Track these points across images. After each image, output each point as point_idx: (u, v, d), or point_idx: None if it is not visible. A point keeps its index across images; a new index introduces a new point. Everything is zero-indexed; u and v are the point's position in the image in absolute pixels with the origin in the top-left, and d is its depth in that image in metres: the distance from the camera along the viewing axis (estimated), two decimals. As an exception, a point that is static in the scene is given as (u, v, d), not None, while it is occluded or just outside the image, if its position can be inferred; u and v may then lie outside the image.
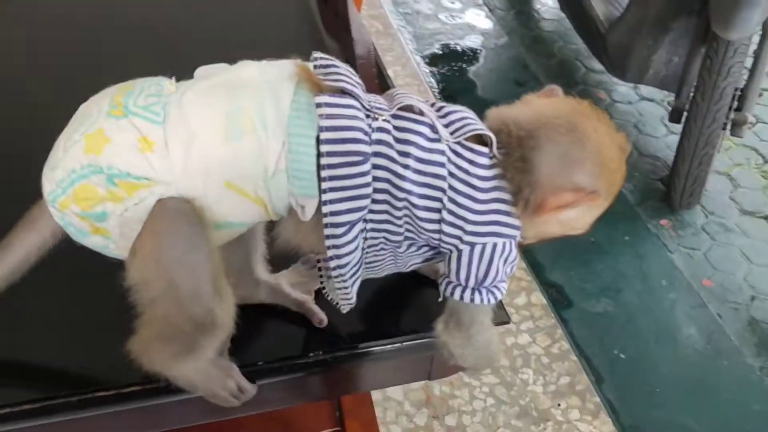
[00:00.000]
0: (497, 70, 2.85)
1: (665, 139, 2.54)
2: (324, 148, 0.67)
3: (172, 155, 0.66)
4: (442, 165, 0.70)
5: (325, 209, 0.68)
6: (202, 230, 0.67)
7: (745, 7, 1.80)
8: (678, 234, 2.21)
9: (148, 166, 0.66)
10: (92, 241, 0.70)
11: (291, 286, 0.83)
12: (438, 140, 0.71)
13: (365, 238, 0.72)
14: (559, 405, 1.69)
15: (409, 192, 0.69)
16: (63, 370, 0.78)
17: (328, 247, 0.69)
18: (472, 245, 0.72)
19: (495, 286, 0.75)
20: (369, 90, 0.73)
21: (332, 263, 0.70)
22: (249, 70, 0.71)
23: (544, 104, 0.76)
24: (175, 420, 0.79)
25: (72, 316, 0.81)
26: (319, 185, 0.68)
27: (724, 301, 2.01)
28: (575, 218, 0.75)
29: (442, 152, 0.70)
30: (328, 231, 0.69)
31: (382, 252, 0.75)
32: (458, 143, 0.71)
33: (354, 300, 0.76)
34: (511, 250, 0.74)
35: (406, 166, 0.69)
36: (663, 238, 2.19)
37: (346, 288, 0.74)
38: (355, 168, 0.68)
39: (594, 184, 0.72)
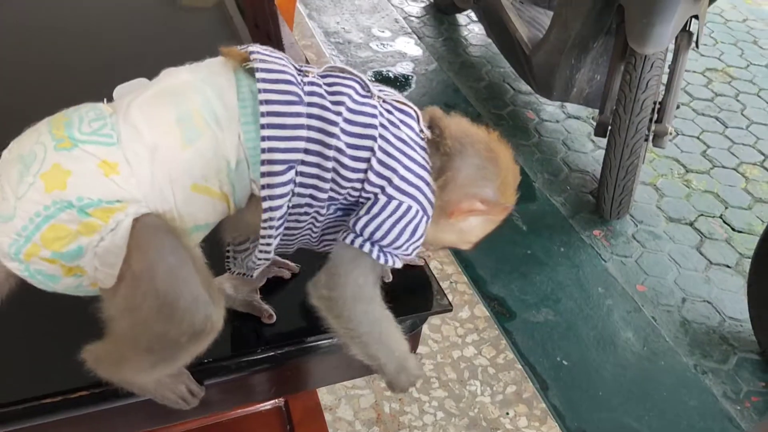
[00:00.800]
0: (429, 94, 2.92)
1: (593, 154, 2.64)
2: (260, 85, 0.68)
3: (137, 172, 0.65)
4: (374, 116, 0.72)
5: (263, 145, 0.68)
6: (183, 240, 0.66)
7: (658, 23, 1.91)
8: (610, 243, 2.29)
9: (117, 188, 0.64)
10: (64, 284, 0.67)
11: (234, 288, 0.83)
12: (369, 96, 0.73)
13: (294, 193, 0.71)
14: (507, 414, 1.71)
15: (338, 138, 0.70)
16: (7, 375, 0.75)
17: (263, 187, 0.69)
18: (390, 198, 0.72)
19: (389, 252, 0.73)
20: None
21: (265, 204, 0.69)
22: (181, 74, 0.71)
23: (467, 124, 0.80)
24: (122, 427, 0.77)
25: (15, 321, 0.78)
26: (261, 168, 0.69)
27: (658, 304, 2.09)
28: (473, 229, 0.79)
29: (374, 106, 0.73)
30: (264, 168, 0.68)
31: (304, 217, 0.74)
32: (389, 103, 0.74)
33: (272, 254, 0.74)
34: (420, 224, 0.74)
35: (338, 113, 0.71)
36: (597, 248, 2.27)
37: (270, 238, 0.71)
38: (291, 107, 0.69)
39: (500, 200, 0.78)
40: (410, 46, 3.21)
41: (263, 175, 0.68)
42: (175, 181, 0.67)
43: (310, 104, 0.70)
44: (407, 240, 0.74)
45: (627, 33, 2.00)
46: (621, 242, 2.30)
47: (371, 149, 0.71)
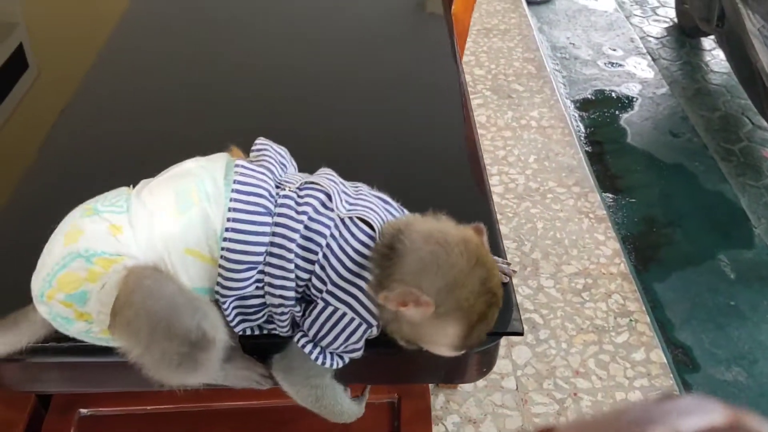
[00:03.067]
0: (652, 119, 2.74)
1: (836, 206, 2.30)
2: (233, 195, 0.78)
3: (137, 234, 0.77)
4: (327, 227, 0.78)
5: (222, 245, 0.77)
6: (167, 274, 0.76)
7: None
8: (836, 309, 1.98)
9: (118, 245, 0.77)
10: (77, 328, 0.79)
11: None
12: (331, 210, 0.80)
13: (265, 292, 0.79)
14: (664, 471, 1.57)
15: (297, 243, 0.78)
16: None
17: (219, 274, 0.78)
18: (327, 303, 0.78)
19: (332, 353, 0.81)
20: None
21: (217, 287, 0.78)
22: (188, 163, 0.84)
23: (449, 225, 0.79)
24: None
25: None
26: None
27: None
28: (418, 324, 0.76)
29: (332, 219, 0.79)
30: (221, 261, 0.77)
31: (284, 316, 0.81)
32: (350, 219, 0.79)
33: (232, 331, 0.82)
34: (356, 329, 0.78)
35: (300, 222, 0.78)
36: (817, 312, 1.98)
37: (223, 304, 0.80)
38: (257, 216, 0.77)
39: (431, 296, 0.73)
40: (641, 67, 3.03)
41: (220, 266, 0.78)
42: (170, 243, 0.77)
43: (279, 214, 0.79)
44: (343, 343, 0.79)
45: None
46: None
47: (317, 254, 0.78)
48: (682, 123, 2.72)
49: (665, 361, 1.81)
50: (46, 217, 0.81)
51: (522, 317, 0.86)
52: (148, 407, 1.07)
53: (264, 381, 0.85)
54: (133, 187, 0.84)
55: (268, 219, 0.78)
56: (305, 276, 0.79)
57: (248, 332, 0.85)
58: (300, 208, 0.79)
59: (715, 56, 3.09)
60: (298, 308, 0.80)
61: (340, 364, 0.82)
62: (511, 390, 1.73)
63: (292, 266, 0.78)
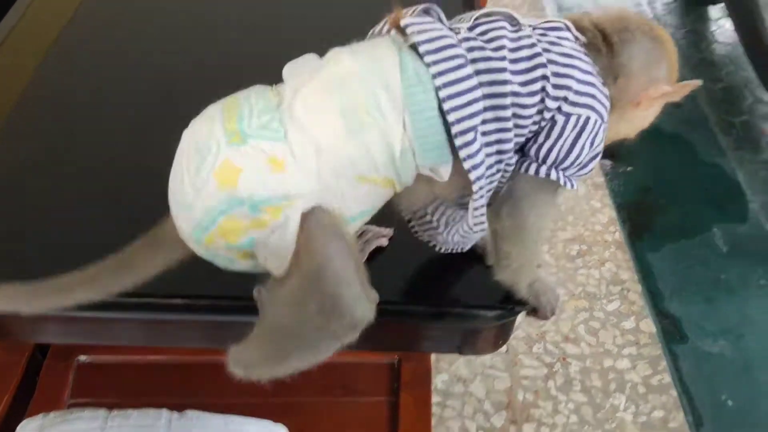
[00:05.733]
0: (654, 88, 2.72)
1: (830, 185, 2.31)
2: (428, 58, 0.68)
3: (303, 167, 0.66)
4: (533, 45, 0.71)
5: (450, 117, 0.67)
6: (348, 239, 0.69)
7: None
8: (824, 288, 2.01)
9: (285, 184, 0.66)
10: (240, 266, 0.71)
11: None
12: (520, 28, 0.73)
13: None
14: (647, 438, 1.60)
15: (511, 83, 0.69)
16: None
17: (464, 159, 0.69)
18: (568, 116, 0.71)
19: (570, 175, 0.74)
20: None
21: (472, 175, 0.69)
22: (344, 61, 0.70)
23: (616, 12, 0.79)
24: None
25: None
26: (452, 149, 0.69)
27: None
28: (651, 115, 0.80)
29: (529, 36, 0.72)
30: (459, 141, 0.68)
31: (496, 175, 0.73)
32: (540, 28, 0.74)
33: (486, 225, 0.76)
34: (599, 131, 0.73)
35: (502, 58, 0.69)
36: (805, 290, 2.00)
37: (483, 207, 0.73)
38: (460, 71, 0.68)
39: (673, 78, 0.78)
40: (647, 34, 2.99)
41: (460, 147, 0.68)
42: (340, 174, 0.67)
43: (473, 60, 0.69)
44: (588, 152, 0.74)
45: None
46: (837, 290, 2.01)
47: (544, 77, 0.70)
48: (684, 93, 2.70)
49: (654, 330, 1.84)
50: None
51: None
52: (149, 356, 1.07)
53: None
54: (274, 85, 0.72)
55: (470, 69, 0.69)
56: (534, 109, 0.71)
57: None
58: (492, 44, 0.71)
59: (721, 26, 3.06)
60: (512, 161, 0.73)
61: (571, 186, 0.76)
62: (501, 352, 1.75)
63: (509, 113, 0.70)
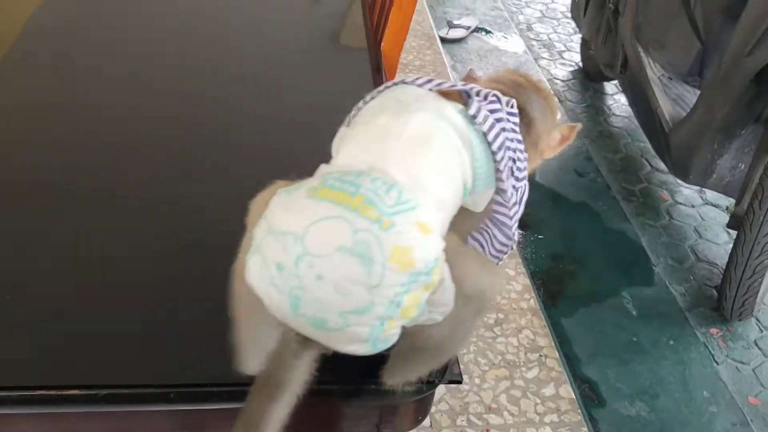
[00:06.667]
0: (559, 158, 2.83)
1: (726, 247, 2.44)
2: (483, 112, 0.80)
3: (439, 221, 0.73)
4: (516, 123, 0.84)
5: (497, 156, 0.80)
6: (462, 244, 0.79)
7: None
8: (728, 345, 2.10)
9: (438, 242, 0.69)
10: (389, 335, 0.70)
11: None
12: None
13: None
14: (573, 507, 1.59)
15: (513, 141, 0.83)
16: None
17: (502, 191, 0.82)
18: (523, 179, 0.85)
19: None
20: None
21: (512, 212, 0.84)
22: (411, 123, 0.77)
23: (503, 73, 0.93)
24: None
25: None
26: (496, 174, 0.80)
27: (771, 423, 1.88)
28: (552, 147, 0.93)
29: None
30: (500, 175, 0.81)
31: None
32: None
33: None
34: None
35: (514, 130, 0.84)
36: (711, 348, 2.08)
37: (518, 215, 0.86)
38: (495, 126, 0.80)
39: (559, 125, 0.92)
40: (549, 108, 3.15)
41: (500, 180, 0.81)
42: (447, 217, 0.76)
43: (503, 129, 0.82)
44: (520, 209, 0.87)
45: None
46: (740, 346, 2.10)
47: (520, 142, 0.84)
48: (586, 163, 2.83)
49: (573, 396, 1.85)
50: None
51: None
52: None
53: None
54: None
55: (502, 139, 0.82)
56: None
57: None
58: (511, 118, 0.84)
59: (616, 100, 3.25)
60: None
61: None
62: (425, 427, 1.72)
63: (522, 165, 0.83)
